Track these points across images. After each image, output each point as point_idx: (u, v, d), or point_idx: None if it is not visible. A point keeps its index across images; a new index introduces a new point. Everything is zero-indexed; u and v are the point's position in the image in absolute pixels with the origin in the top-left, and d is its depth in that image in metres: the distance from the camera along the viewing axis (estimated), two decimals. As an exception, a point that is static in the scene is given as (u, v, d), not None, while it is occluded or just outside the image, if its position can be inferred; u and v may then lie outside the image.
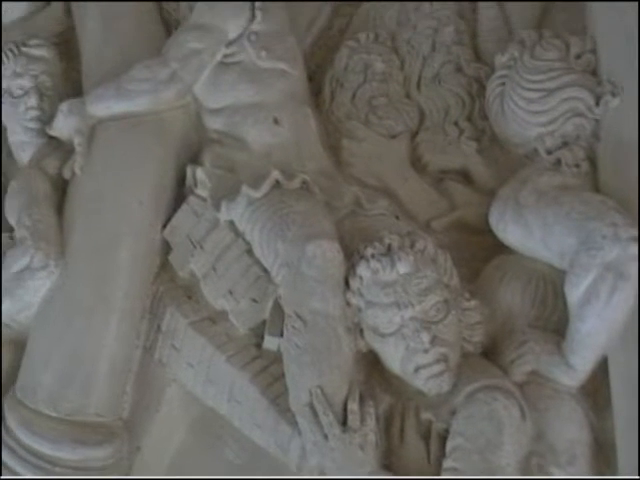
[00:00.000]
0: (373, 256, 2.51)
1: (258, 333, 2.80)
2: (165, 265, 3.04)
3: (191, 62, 3.04)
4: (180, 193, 3.06)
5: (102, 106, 3.05)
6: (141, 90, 3.03)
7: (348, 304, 2.56)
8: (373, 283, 2.50)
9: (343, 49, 3.33)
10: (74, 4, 3.50)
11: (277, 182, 2.79)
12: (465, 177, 3.04)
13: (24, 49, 3.26)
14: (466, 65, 3.16)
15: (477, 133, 3.07)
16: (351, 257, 2.60)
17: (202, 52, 3.05)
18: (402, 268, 2.47)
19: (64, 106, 3.09)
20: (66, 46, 3.46)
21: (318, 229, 2.61)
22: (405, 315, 2.46)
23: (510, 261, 2.72)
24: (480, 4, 3.22)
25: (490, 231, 2.75)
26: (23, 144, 3.25)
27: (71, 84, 3.34)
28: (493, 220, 2.72)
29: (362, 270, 2.52)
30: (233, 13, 3.07)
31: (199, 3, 3.15)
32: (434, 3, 3.25)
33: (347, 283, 2.57)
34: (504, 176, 2.84)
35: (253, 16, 3.07)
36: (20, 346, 2.99)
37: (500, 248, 2.74)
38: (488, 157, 3.02)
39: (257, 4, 3.07)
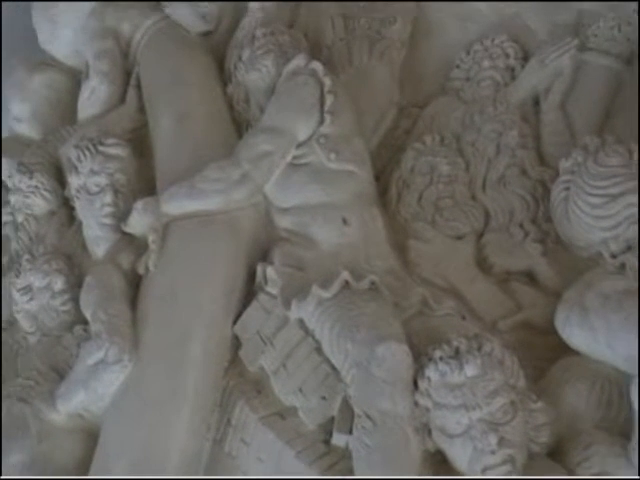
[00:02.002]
0: (441, 359, 2.54)
1: (326, 429, 2.81)
2: (235, 360, 3.06)
3: (262, 163, 3.10)
4: (250, 289, 3.10)
5: (176, 205, 3.10)
6: (214, 190, 3.08)
7: (416, 404, 2.58)
8: (441, 385, 2.52)
9: (409, 151, 3.37)
10: (147, 102, 3.62)
11: (346, 282, 2.83)
12: (530, 278, 3.06)
13: (101, 148, 3.32)
14: (530, 168, 3.19)
15: (541, 235, 3.09)
16: (418, 357, 2.62)
17: (273, 154, 3.10)
18: (470, 371, 2.50)
19: (139, 204, 3.15)
20: (139, 143, 3.55)
21: (387, 331, 2.65)
22: (473, 417, 2.47)
23: (575, 362, 2.72)
24: (542, 108, 3.28)
25: (555, 332, 2.75)
26: (98, 239, 3.31)
27: (144, 181, 3.40)
28: (559, 323, 2.73)
29: (430, 372, 2.54)
30: (303, 116, 3.14)
31: (269, 106, 3.24)
32: (498, 106, 3.33)
33: (415, 384, 2.59)
34: (569, 277, 2.85)
35: (322, 119, 3.13)
36: (92, 436, 3.04)
37: (565, 349, 2.74)
38: (553, 259, 3.02)
39: (326, 108, 3.13)
